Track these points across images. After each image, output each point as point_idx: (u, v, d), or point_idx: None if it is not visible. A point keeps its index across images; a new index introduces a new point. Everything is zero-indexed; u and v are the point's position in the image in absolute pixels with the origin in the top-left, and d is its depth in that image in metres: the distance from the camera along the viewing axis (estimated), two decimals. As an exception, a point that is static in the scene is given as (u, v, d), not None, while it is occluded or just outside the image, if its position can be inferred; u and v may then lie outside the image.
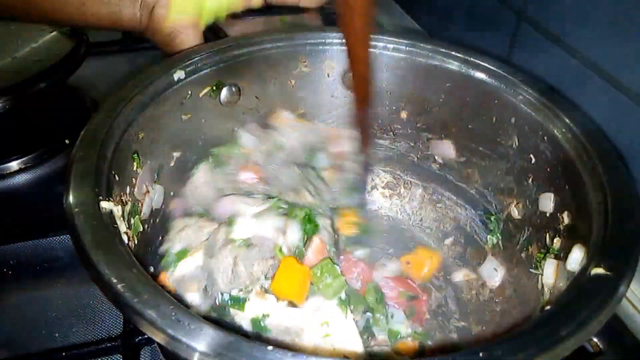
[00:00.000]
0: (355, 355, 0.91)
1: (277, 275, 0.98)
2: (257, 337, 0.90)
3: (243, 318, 0.93)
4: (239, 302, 0.94)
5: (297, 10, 1.34)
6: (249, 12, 1.28)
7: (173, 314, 0.61)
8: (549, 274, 0.91)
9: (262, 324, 0.92)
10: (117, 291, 0.63)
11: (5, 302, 1.11)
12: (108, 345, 1.02)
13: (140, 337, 1.01)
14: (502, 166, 1.11)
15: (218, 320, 0.93)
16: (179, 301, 0.64)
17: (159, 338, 0.60)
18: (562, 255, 0.89)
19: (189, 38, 1.27)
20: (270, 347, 0.57)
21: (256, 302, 0.94)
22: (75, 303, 1.11)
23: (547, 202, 0.99)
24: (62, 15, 1.25)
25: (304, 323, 0.92)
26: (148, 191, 0.99)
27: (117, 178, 0.86)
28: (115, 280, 0.64)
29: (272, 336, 0.91)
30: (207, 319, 0.61)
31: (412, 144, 1.25)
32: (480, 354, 0.59)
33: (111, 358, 1.02)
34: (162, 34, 1.27)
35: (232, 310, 0.94)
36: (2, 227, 1.21)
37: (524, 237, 1.05)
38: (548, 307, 0.69)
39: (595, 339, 1.02)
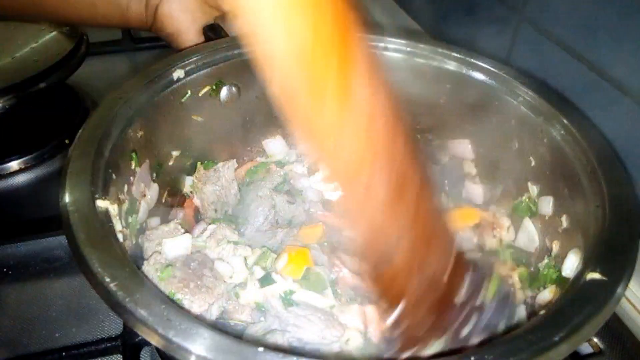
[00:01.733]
0: None
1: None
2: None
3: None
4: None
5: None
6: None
7: (165, 313, 0.61)
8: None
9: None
10: (109, 289, 0.63)
11: (5, 302, 1.10)
12: (108, 345, 1.01)
13: (140, 337, 0.99)
14: (502, 168, 1.11)
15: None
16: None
17: (150, 337, 0.60)
18: (560, 259, 0.89)
19: (193, 38, 1.28)
20: (261, 349, 0.57)
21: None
22: (75, 303, 1.11)
23: (547, 205, 0.99)
24: (72, 15, 1.27)
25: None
26: (146, 191, 0.99)
27: (114, 176, 0.86)
28: (107, 279, 0.64)
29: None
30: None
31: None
32: (472, 358, 0.59)
33: (111, 358, 1.02)
34: (165, 31, 1.29)
35: None
36: (2, 227, 1.22)
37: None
38: (542, 312, 0.69)
39: (595, 339, 1.02)
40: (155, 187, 1.03)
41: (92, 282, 0.65)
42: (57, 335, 1.06)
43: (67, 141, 1.43)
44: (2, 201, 1.32)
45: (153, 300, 0.62)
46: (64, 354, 1.00)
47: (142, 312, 0.61)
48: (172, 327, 0.59)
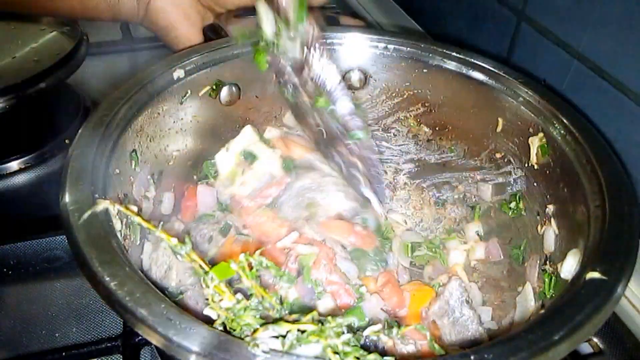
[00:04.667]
0: None
1: None
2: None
3: None
4: None
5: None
6: (249, 12, 1.28)
7: (164, 312, 0.60)
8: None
9: None
10: (109, 289, 0.63)
11: (5, 302, 1.11)
12: (108, 345, 1.02)
13: (140, 337, 1.00)
14: (503, 168, 1.11)
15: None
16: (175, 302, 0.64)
17: (150, 337, 0.60)
18: (560, 260, 0.88)
19: (185, 34, 1.28)
20: (264, 348, 0.57)
21: None
22: (75, 303, 1.11)
23: (547, 205, 0.99)
24: (63, 7, 1.26)
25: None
26: (147, 193, 0.99)
27: (114, 176, 0.86)
28: (107, 279, 0.64)
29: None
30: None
31: (411, 144, 1.25)
32: (472, 357, 0.59)
33: (111, 358, 1.02)
34: (158, 26, 1.29)
35: None
36: (2, 227, 1.22)
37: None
38: (542, 311, 0.69)
39: (595, 339, 1.03)
40: (168, 195, 1.06)
41: (92, 282, 0.65)
42: (57, 335, 1.06)
43: (67, 141, 1.43)
44: (2, 201, 1.33)
45: (153, 299, 0.62)
46: (64, 354, 1.00)
47: (142, 312, 0.61)
48: (172, 326, 0.59)
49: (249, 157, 1.13)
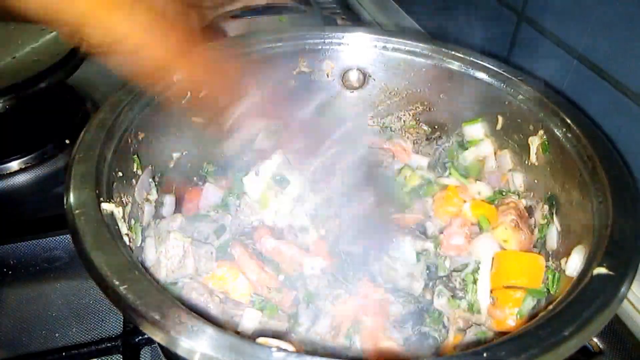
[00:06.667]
0: None
1: None
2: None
3: None
4: None
5: (296, 10, 1.34)
6: (249, 12, 1.28)
7: (175, 315, 0.61)
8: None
9: None
10: (119, 293, 0.63)
11: (5, 302, 1.10)
12: (108, 345, 1.02)
13: (140, 337, 1.00)
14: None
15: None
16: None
17: (161, 339, 0.60)
18: (565, 257, 0.89)
19: None
20: (273, 349, 0.57)
21: None
22: (75, 303, 1.11)
23: (550, 203, 0.99)
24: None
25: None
26: (149, 196, 0.99)
27: (117, 179, 0.86)
28: (117, 282, 0.64)
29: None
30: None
31: (412, 143, 1.25)
32: (485, 354, 0.59)
33: (111, 358, 1.02)
34: None
35: None
36: (2, 227, 1.21)
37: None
38: (551, 307, 0.69)
39: (595, 339, 1.03)
40: (169, 198, 1.06)
41: (101, 286, 0.65)
42: (57, 335, 1.06)
43: (67, 141, 1.43)
44: (2, 201, 1.32)
45: (163, 302, 0.62)
46: (64, 354, 1.00)
47: (153, 315, 0.61)
48: (183, 328, 0.59)
49: (282, 182, 1.11)
